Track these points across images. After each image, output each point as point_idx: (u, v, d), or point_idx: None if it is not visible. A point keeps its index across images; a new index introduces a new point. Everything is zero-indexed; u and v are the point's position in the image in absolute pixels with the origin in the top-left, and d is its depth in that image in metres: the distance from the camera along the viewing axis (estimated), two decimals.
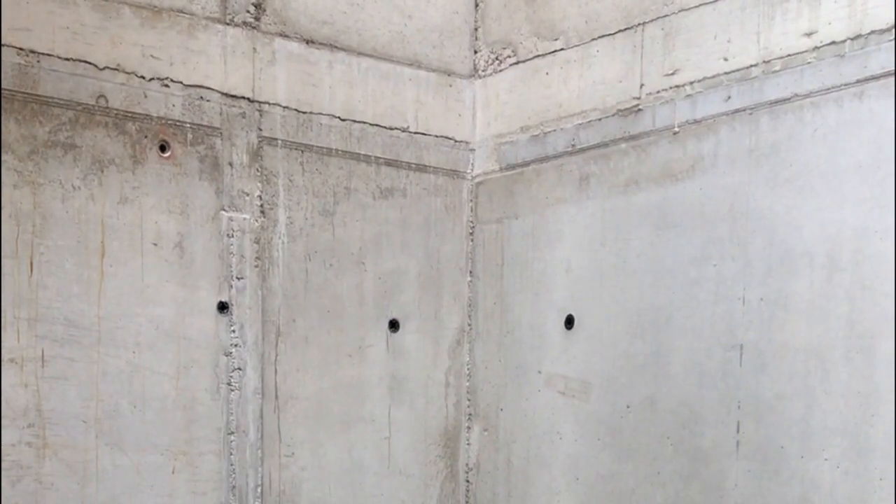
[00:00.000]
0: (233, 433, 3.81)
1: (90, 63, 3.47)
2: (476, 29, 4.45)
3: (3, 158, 3.31)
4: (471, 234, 4.43)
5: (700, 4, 3.51)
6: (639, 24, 3.73)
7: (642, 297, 3.69)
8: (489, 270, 4.37)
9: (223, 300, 3.77)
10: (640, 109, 3.72)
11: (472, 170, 4.43)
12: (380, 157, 4.16)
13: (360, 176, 4.12)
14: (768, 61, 3.31)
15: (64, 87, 3.41)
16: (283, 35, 3.91)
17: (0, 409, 3.31)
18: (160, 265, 3.63)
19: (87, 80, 3.46)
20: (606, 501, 3.86)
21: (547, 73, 4.11)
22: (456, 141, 4.39)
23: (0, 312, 3.30)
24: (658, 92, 3.65)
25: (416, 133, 4.27)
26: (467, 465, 4.48)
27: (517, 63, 4.26)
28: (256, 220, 3.85)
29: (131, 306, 3.57)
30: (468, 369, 4.46)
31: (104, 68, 3.49)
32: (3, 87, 3.29)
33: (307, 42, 3.97)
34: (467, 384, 4.47)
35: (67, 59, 3.42)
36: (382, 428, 4.22)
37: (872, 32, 3.04)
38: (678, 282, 3.57)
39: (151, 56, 3.59)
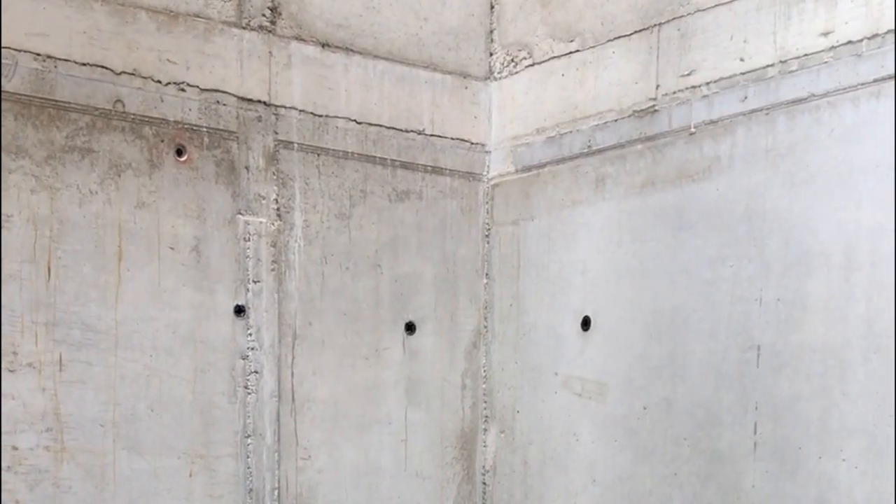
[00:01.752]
0: (250, 436, 3.82)
1: (107, 68, 3.48)
2: (492, 31, 4.45)
3: (20, 164, 3.32)
4: (487, 236, 4.43)
5: (716, 5, 3.50)
6: (655, 25, 3.72)
7: (659, 299, 3.69)
8: (505, 272, 4.36)
9: (240, 304, 3.77)
10: (656, 110, 3.71)
11: (487, 172, 4.43)
12: (395, 160, 4.17)
13: (376, 179, 4.12)
14: (785, 61, 3.30)
15: (81, 91, 3.42)
16: (299, 38, 3.92)
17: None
18: (177, 269, 3.64)
19: (104, 84, 3.47)
20: (623, 503, 3.85)
21: (563, 75, 4.11)
22: (472, 143, 4.39)
23: None
24: (674, 93, 3.65)
25: (431, 136, 4.27)
26: (484, 467, 4.48)
27: (533, 65, 4.26)
28: (273, 224, 3.85)
29: (148, 310, 3.58)
30: (484, 371, 4.46)
31: (121, 73, 3.50)
32: (20, 92, 3.30)
33: (323, 45, 3.98)
34: (484, 386, 4.47)
35: (84, 64, 3.43)
36: (399, 430, 4.22)
37: (889, 31, 3.03)
38: (695, 283, 3.56)
39: (168, 60, 3.60)
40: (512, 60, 4.35)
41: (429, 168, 4.26)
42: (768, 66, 3.35)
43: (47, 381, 3.38)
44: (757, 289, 3.36)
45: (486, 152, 4.43)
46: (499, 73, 4.42)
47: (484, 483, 4.48)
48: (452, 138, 4.33)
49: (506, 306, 4.37)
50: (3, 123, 3.28)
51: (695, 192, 3.57)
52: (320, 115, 3.97)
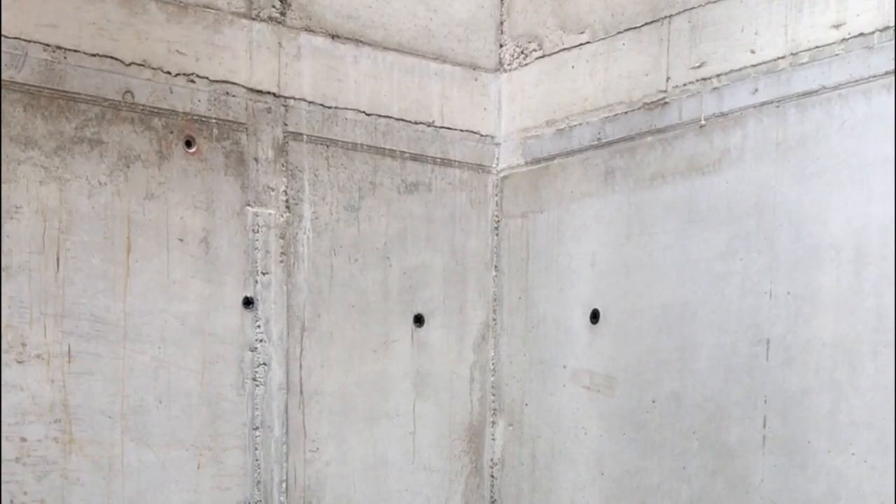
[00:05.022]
0: (258, 428, 3.82)
1: (116, 59, 3.47)
2: (501, 23, 4.44)
3: (30, 155, 3.32)
4: (496, 228, 4.42)
5: None
6: (665, 17, 3.71)
7: (668, 292, 3.68)
8: (514, 265, 4.36)
9: (248, 295, 3.77)
10: (666, 103, 3.70)
11: (497, 164, 4.42)
12: (405, 152, 4.16)
13: (386, 171, 4.12)
14: (796, 53, 3.29)
15: (90, 82, 3.42)
16: (309, 30, 3.91)
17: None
18: (186, 261, 3.64)
19: (114, 75, 3.47)
20: (631, 496, 3.84)
21: (573, 67, 4.09)
22: (481, 135, 4.38)
23: None
24: (684, 85, 3.63)
25: (441, 127, 4.26)
26: (492, 460, 4.48)
27: (543, 57, 4.24)
28: (282, 216, 3.85)
29: (157, 302, 3.58)
30: (493, 364, 4.46)
31: (130, 64, 3.50)
32: (30, 83, 3.30)
33: (332, 37, 3.97)
34: (492, 379, 4.46)
35: (94, 55, 3.43)
36: (407, 423, 4.22)
37: None
38: (704, 276, 3.55)
39: (177, 51, 3.59)
40: (522, 52, 4.34)
41: (438, 160, 4.25)
42: (779, 58, 3.33)
43: (56, 373, 3.38)
44: (767, 282, 3.35)
45: (496, 144, 4.42)
46: (508, 64, 4.41)
47: (492, 476, 4.48)
48: (462, 130, 4.32)
49: (514, 299, 4.36)
50: (12, 114, 3.29)
51: (704, 185, 3.56)
52: (329, 107, 3.96)
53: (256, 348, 3.80)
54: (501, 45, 4.44)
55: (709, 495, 3.55)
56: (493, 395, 4.46)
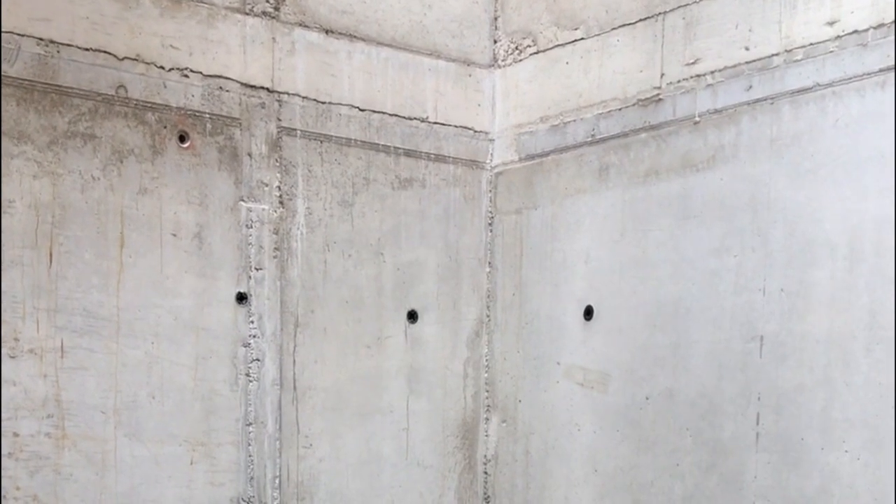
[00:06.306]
0: (251, 424, 3.81)
1: (110, 53, 3.47)
2: (496, 19, 4.44)
3: (23, 149, 3.31)
4: (490, 224, 4.42)
5: None
6: (659, 14, 3.71)
7: (662, 288, 3.68)
8: (508, 261, 4.36)
9: (242, 291, 3.77)
10: (660, 99, 3.70)
11: (491, 160, 4.42)
12: (399, 148, 4.16)
13: (379, 166, 4.11)
14: (790, 50, 3.29)
15: (83, 77, 3.41)
16: (303, 25, 3.90)
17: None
18: (179, 256, 3.63)
19: (107, 70, 3.46)
20: (625, 493, 3.84)
21: (567, 63, 4.09)
22: (475, 131, 4.38)
23: None
24: (679, 81, 3.63)
25: (435, 123, 4.26)
26: (485, 456, 4.48)
27: (537, 53, 4.24)
28: (275, 211, 3.85)
29: (150, 297, 3.57)
30: (487, 360, 4.46)
31: (124, 58, 3.49)
32: (23, 77, 3.29)
33: (326, 32, 3.96)
34: (486, 375, 4.46)
35: (87, 50, 3.42)
36: (401, 419, 4.22)
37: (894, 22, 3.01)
38: (698, 273, 3.55)
39: (171, 46, 3.59)
40: (516, 48, 4.34)
41: (432, 156, 4.25)
42: (773, 55, 3.33)
43: (49, 368, 3.38)
44: (760, 279, 3.36)
45: (490, 140, 4.42)
46: (503, 60, 4.40)
47: (485, 472, 4.48)
48: (456, 126, 4.32)
49: (508, 295, 4.36)
50: (5, 109, 3.28)
51: (699, 182, 3.56)
52: (323, 102, 3.96)
53: (250, 344, 3.80)
54: (496, 41, 4.43)
55: (702, 492, 3.56)
56: (487, 391, 4.46)
